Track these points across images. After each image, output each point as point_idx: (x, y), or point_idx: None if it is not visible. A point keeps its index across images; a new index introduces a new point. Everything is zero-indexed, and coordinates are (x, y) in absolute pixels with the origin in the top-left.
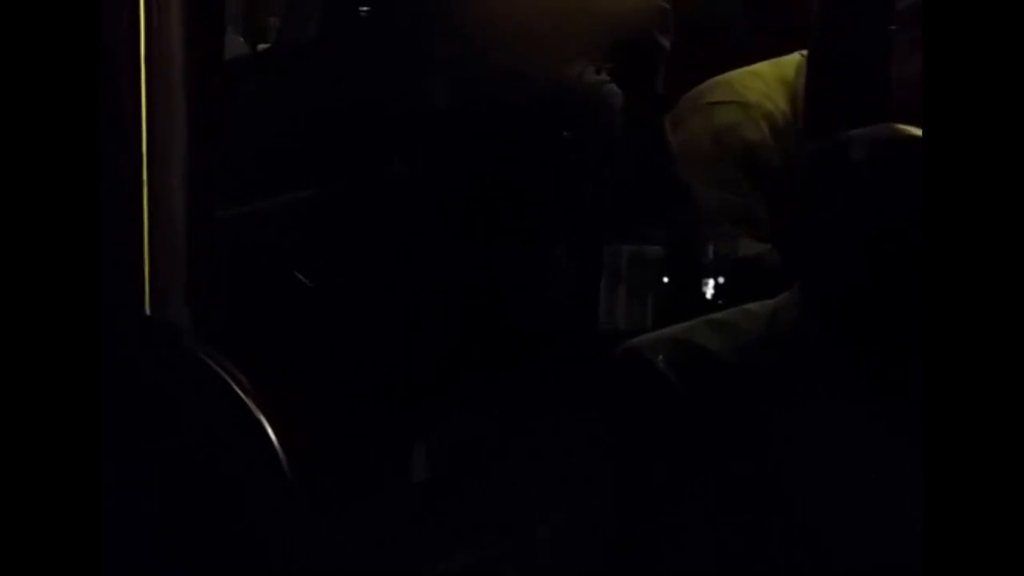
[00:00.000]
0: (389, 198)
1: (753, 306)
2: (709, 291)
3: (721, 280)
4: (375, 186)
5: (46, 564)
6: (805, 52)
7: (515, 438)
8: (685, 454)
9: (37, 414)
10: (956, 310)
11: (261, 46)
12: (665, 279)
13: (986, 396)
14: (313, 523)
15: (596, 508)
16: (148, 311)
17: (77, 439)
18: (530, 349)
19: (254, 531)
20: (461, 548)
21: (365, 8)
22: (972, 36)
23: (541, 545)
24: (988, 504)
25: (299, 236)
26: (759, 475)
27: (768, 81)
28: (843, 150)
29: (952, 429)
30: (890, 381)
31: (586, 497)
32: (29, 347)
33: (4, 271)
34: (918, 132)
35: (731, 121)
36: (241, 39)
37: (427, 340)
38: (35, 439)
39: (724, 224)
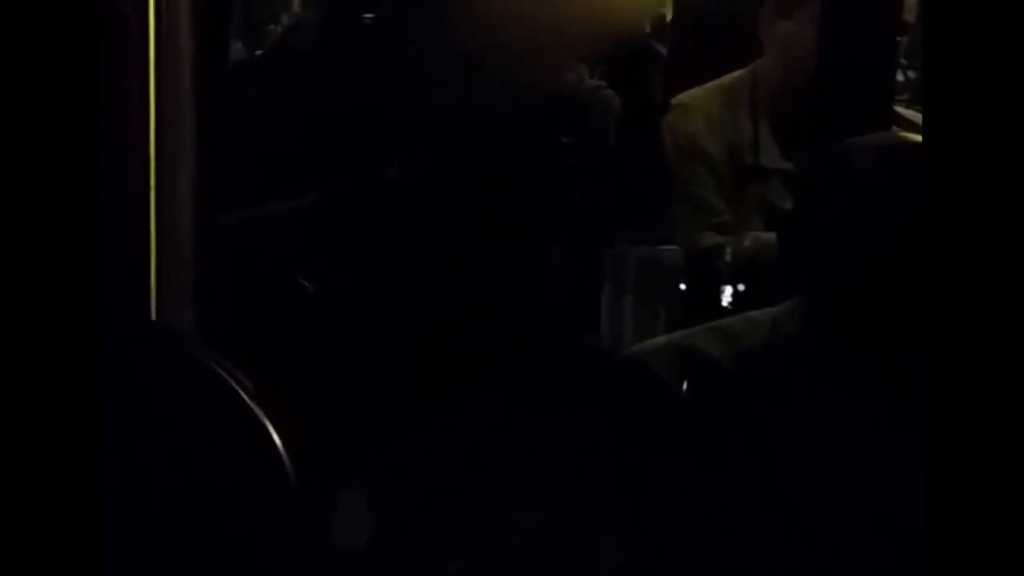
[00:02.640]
0: (390, 201)
1: (755, 313)
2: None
3: (731, 288)
4: (376, 189)
5: (48, 564)
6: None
7: (514, 440)
8: (687, 461)
9: (38, 416)
10: (957, 312)
11: (260, 51)
12: (682, 286)
13: (986, 397)
14: (315, 524)
15: (595, 511)
16: (153, 313)
17: (78, 440)
18: (529, 352)
19: (256, 532)
20: (461, 548)
21: (368, 15)
22: (972, 36)
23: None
24: (988, 504)
25: (301, 238)
26: (761, 481)
27: (707, 88)
28: (845, 156)
29: (952, 430)
30: (891, 385)
31: (585, 501)
32: (32, 350)
33: (9, 274)
34: (919, 139)
35: (674, 117)
36: (240, 44)
37: (429, 342)
38: (35, 441)
39: (689, 216)
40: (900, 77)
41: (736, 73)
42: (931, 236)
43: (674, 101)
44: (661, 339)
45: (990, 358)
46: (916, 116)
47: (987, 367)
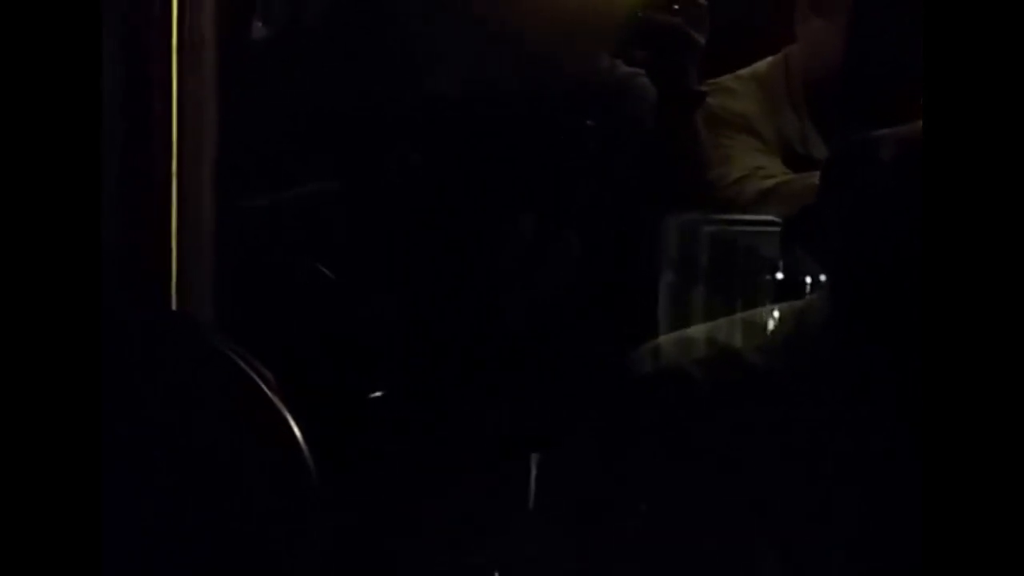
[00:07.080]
0: (418, 189)
1: (780, 306)
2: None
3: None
4: (398, 176)
5: (48, 563)
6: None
7: (534, 436)
8: (706, 454)
9: (48, 408)
10: (960, 309)
11: (271, 29)
12: (779, 274)
13: (988, 396)
14: (334, 517)
15: (605, 508)
16: (173, 303)
17: (92, 432)
18: (545, 345)
19: (275, 525)
20: (475, 547)
21: None
22: (972, 33)
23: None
24: (988, 504)
25: (323, 227)
26: (779, 477)
27: (742, 76)
28: (867, 149)
29: (954, 429)
30: (909, 384)
31: (597, 498)
32: (45, 339)
33: (25, 265)
34: None
35: (719, 100)
36: (259, 24)
37: (455, 335)
38: (39, 439)
39: (747, 180)
40: None
41: (768, 60)
42: (932, 230)
43: (709, 86)
44: (683, 332)
45: (992, 353)
46: None
47: (989, 362)
